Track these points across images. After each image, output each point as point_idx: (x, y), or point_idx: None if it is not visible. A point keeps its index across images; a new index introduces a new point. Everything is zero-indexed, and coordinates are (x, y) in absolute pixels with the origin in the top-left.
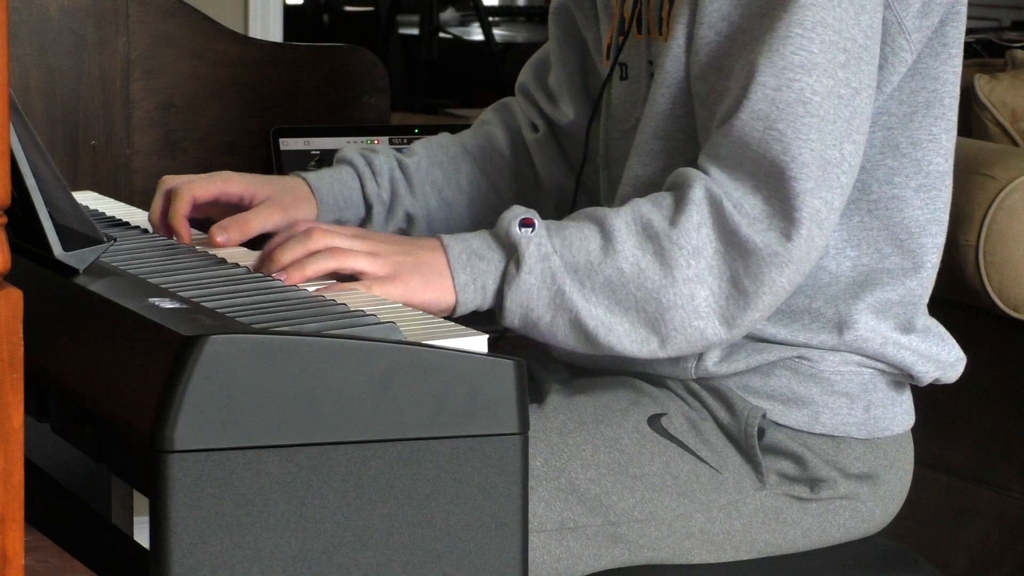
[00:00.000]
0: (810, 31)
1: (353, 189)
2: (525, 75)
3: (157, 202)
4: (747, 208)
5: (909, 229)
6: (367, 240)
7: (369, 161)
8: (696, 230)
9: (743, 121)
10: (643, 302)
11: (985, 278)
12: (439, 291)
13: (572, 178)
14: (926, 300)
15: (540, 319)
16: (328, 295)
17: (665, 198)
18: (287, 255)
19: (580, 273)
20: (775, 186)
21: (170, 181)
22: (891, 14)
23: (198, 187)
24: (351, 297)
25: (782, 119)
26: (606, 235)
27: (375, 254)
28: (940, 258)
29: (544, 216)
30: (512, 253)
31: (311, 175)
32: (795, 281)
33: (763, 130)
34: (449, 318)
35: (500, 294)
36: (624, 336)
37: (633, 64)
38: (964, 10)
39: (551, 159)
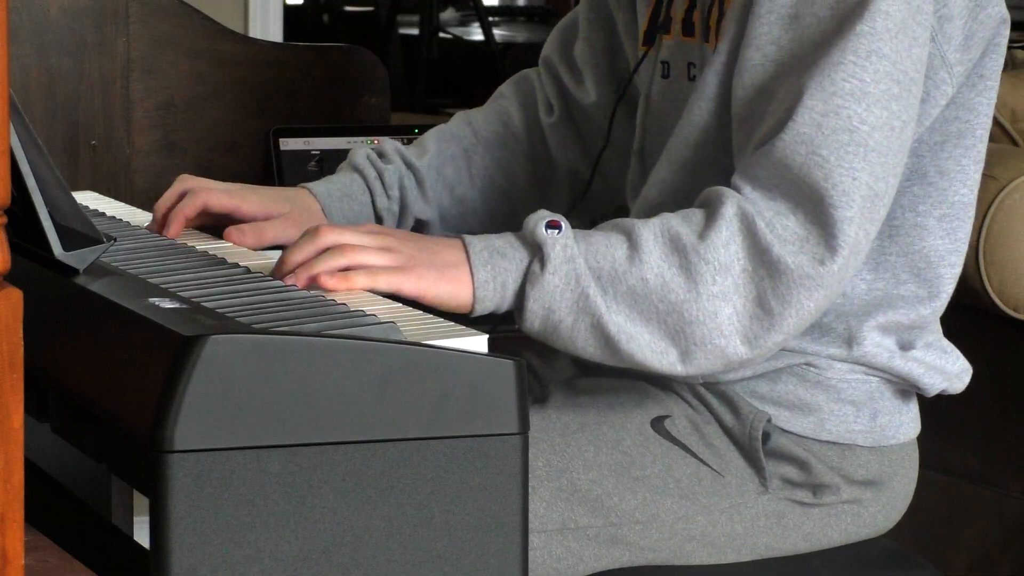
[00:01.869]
0: (864, 59)
1: (364, 204)
2: (549, 47)
3: (169, 197)
4: (779, 229)
5: (928, 258)
6: (380, 236)
7: (380, 172)
8: (725, 246)
9: (785, 143)
10: (665, 314)
11: (985, 278)
12: (456, 286)
13: (587, 163)
14: (937, 322)
15: (562, 322)
16: (328, 295)
17: (696, 214)
18: (297, 255)
19: (604, 280)
20: (813, 211)
21: (189, 182)
22: (935, 47)
23: (214, 197)
24: (351, 297)
25: (826, 145)
26: (633, 244)
27: (387, 248)
28: (955, 286)
29: (559, 201)
30: (536, 253)
31: (322, 190)
32: (822, 306)
33: (806, 154)
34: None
35: (521, 294)
36: (645, 346)
37: (675, 64)
38: (1004, 43)
39: (566, 143)
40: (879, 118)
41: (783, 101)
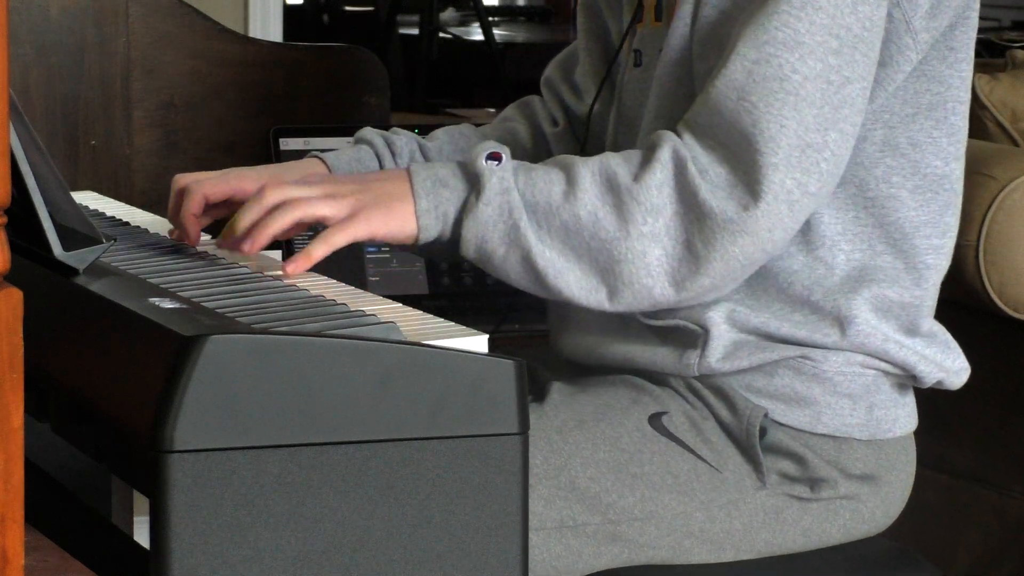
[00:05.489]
0: (799, 10)
1: (372, 169)
2: (552, 70)
3: (172, 202)
4: (712, 175)
5: (903, 229)
6: (322, 184)
7: (389, 142)
8: (657, 189)
9: (718, 89)
10: (596, 251)
11: (985, 278)
12: (401, 219)
13: None
14: (930, 305)
15: (494, 252)
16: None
17: (636, 155)
18: (245, 219)
19: (539, 213)
20: (742, 157)
21: (182, 180)
22: (899, 12)
23: (210, 186)
24: (351, 297)
25: (755, 92)
26: (570, 181)
27: (332, 195)
28: (945, 263)
29: None
30: (475, 184)
31: (330, 155)
32: (751, 254)
33: (736, 100)
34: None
35: (459, 224)
36: (573, 282)
37: (647, 51)
38: (975, 16)
39: (569, 151)
40: (813, 69)
41: (728, 49)
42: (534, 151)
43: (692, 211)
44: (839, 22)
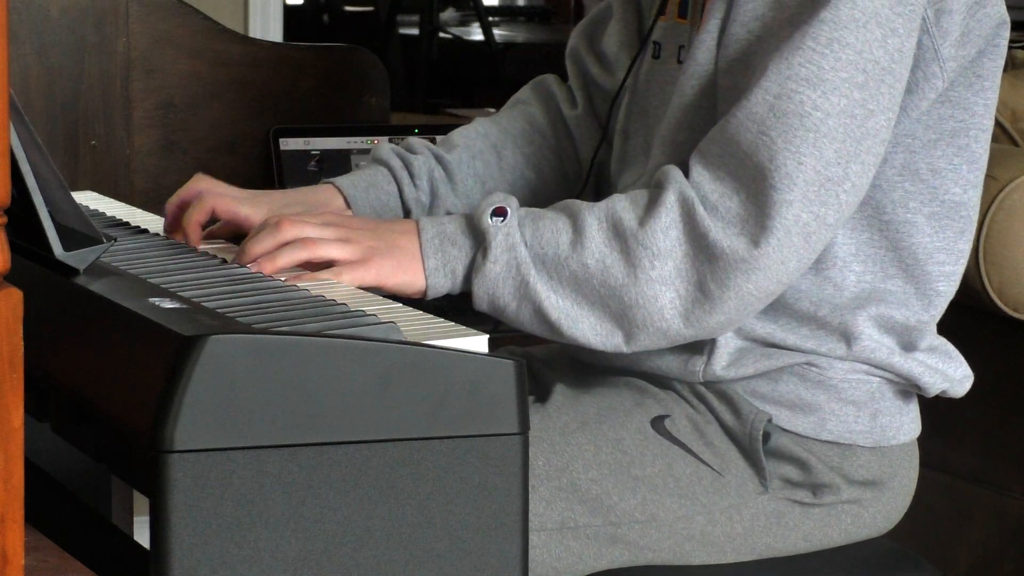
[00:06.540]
0: (824, 47)
1: (390, 195)
2: (576, 39)
3: (178, 196)
4: (722, 211)
5: (916, 255)
6: (339, 227)
7: (407, 163)
8: (664, 233)
9: (739, 120)
10: (607, 298)
11: (985, 278)
12: (410, 274)
13: (611, 153)
14: (934, 326)
15: (506, 307)
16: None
17: (642, 197)
18: (258, 247)
19: (547, 265)
20: (755, 191)
21: (203, 182)
22: (928, 40)
23: (222, 203)
24: (351, 297)
25: (775, 127)
26: (577, 230)
27: (346, 240)
28: (954, 287)
29: (587, 194)
30: (481, 242)
31: (345, 182)
32: (766, 288)
33: (756, 133)
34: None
35: (469, 280)
36: (588, 329)
37: (667, 45)
38: (1004, 45)
39: (590, 135)
40: (836, 105)
41: (755, 77)
42: (554, 138)
43: (703, 252)
44: (866, 56)
